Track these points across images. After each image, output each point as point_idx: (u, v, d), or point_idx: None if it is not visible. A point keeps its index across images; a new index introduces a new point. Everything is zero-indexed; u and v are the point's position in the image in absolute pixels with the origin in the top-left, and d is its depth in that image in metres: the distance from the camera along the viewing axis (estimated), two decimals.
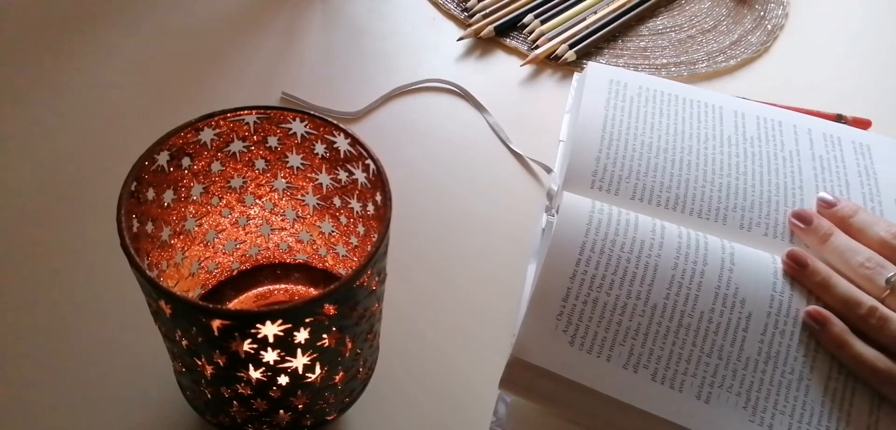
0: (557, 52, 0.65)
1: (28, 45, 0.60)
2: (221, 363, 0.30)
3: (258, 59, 0.62)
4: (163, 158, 0.34)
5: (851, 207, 0.40)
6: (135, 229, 0.32)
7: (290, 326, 0.29)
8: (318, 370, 0.32)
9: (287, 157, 0.38)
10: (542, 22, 0.68)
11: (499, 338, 0.44)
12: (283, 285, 0.42)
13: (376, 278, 0.32)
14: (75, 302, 0.43)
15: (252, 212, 0.40)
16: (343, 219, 0.39)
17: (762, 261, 0.38)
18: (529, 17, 0.68)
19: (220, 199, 0.38)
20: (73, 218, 0.48)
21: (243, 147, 0.37)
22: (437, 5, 0.71)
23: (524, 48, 0.66)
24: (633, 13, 0.70)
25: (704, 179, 0.43)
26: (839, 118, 0.56)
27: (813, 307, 0.37)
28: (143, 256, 0.33)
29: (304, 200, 0.40)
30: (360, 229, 0.38)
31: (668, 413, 0.34)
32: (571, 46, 0.65)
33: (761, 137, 0.45)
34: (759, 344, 0.36)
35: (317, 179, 0.38)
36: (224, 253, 0.40)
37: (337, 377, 0.34)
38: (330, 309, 0.30)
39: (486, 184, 0.54)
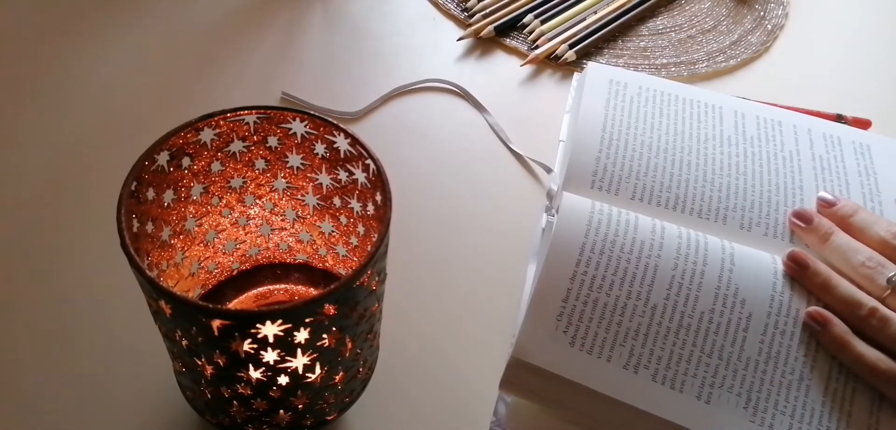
0: (557, 52, 0.65)
1: (27, 45, 0.60)
2: (221, 363, 0.30)
3: (258, 59, 0.62)
4: (163, 158, 0.34)
5: (851, 207, 0.40)
6: (135, 229, 0.32)
7: (290, 326, 0.29)
8: (318, 370, 0.32)
9: (287, 157, 0.38)
10: (542, 22, 0.68)
11: (499, 338, 0.44)
12: (283, 285, 0.42)
13: (376, 278, 0.32)
14: (75, 302, 0.43)
15: (252, 212, 0.40)
16: (343, 219, 0.39)
17: (762, 261, 0.38)
18: (529, 17, 0.68)
19: (220, 199, 0.38)
20: (73, 218, 0.48)
21: (243, 147, 0.37)
22: (437, 5, 0.71)
23: (524, 48, 0.66)
24: (633, 13, 0.70)
25: (704, 179, 0.43)
26: (839, 118, 0.56)
27: (814, 308, 0.37)
28: (143, 256, 0.33)
29: (304, 201, 0.40)
30: (360, 229, 0.38)
31: (668, 414, 0.34)
32: (571, 46, 0.65)
33: (761, 137, 0.45)
34: (759, 344, 0.36)
35: (317, 179, 0.38)
36: (224, 253, 0.40)
37: (337, 377, 0.34)
38: (330, 309, 0.30)
39: (486, 184, 0.54)
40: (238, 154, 0.37)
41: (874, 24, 0.75)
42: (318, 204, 0.39)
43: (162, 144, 0.33)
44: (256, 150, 0.37)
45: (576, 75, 0.54)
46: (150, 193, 0.34)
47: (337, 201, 0.38)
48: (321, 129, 0.36)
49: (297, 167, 0.38)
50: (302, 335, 0.30)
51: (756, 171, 0.43)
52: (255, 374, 0.31)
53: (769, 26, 0.72)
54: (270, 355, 0.30)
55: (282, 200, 0.40)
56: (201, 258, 0.39)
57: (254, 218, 0.40)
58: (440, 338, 0.44)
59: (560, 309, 0.37)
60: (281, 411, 0.33)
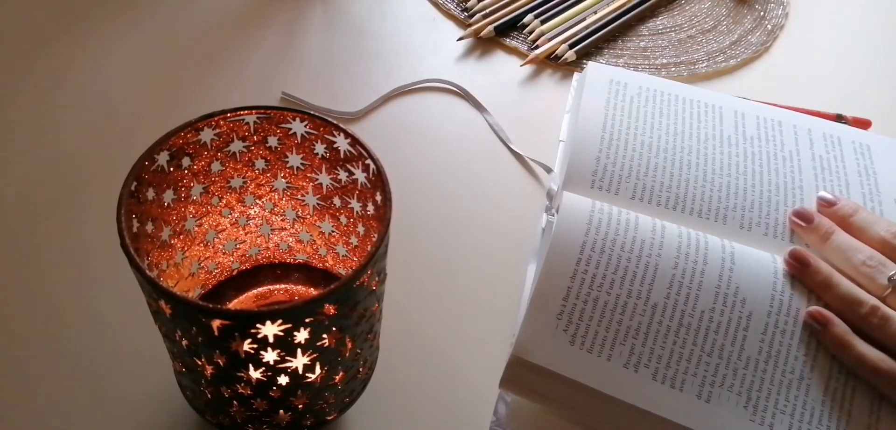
0: (557, 52, 0.65)
1: (27, 44, 0.60)
2: (221, 363, 0.30)
3: (258, 59, 0.62)
4: (163, 158, 0.34)
5: (851, 207, 0.40)
6: (135, 229, 0.32)
7: (290, 326, 0.29)
8: (318, 370, 0.32)
9: (287, 157, 0.38)
10: (542, 22, 0.68)
11: (499, 338, 0.44)
12: (283, 285, 0.42)
13: (376, 278, 0.32)
14: (75, 302, 0.43)
15: (252, 212, 0.40)
16: (343, 219, 0.39)
17: (762, 260, 0.38)
18: (529, 17, 0.68)
19: (220, 199, 0.38)
20: (73, 218, 0.48)
21: (243, 147, 0.37)
22: (437, 5, 0.71)
23: (524, 48, 0.66)
24: (633, 13, 0.70)
25: (704, 179, 0.43)
26: (839, 118, 0.56)
27: (814, 308, 0.37)
28: (143, 256, 0.33)
29: (304, 201, 0.40)
30: (360, 228, 0.38)
31: (668, 413, 0.34)
32: (571, 46, 0.65)
33: (761, 137, 0.45)
34: (759, 343, 0.36)
35: (317, 179, 0.38)
36: (224, 253, 0.40)
37: (337, 377, 0.34)
38: (330, 309, 0.30)
39: (486, 184, 0.54)
40: (238, 154, 0.37)
41: (874, 24, 0.75)
42: (318, 204, 0.39)
43: (162, 144, 0.33)
44: (256, 150, 0.37)
45: (576, 75, 0.54)
46: (150, 193, 0.34)
47: (337, 201, 0.38)
48: (321, 129, 0.36)
49: (297, 167, 0.38)
50: (302, 335, 0.30)
51: (756, 171, 0.43)
52: (255, 374, 0.31)
53: (769, 26, 0.72)
54: (270, 356, 0.30)
55: (282, 200, 0.40)
56: (201, 258, 0.39)
57: (254, 218, 0.40)
58: (440, 338, 0.44)
59: (560, 308, 0.37)
60: (281, 411, 0.33)
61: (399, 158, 0.55)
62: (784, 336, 0.36)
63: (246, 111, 0.36)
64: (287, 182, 0.39)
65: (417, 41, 0.66)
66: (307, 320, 0.29)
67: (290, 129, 0.37)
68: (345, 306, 0.30)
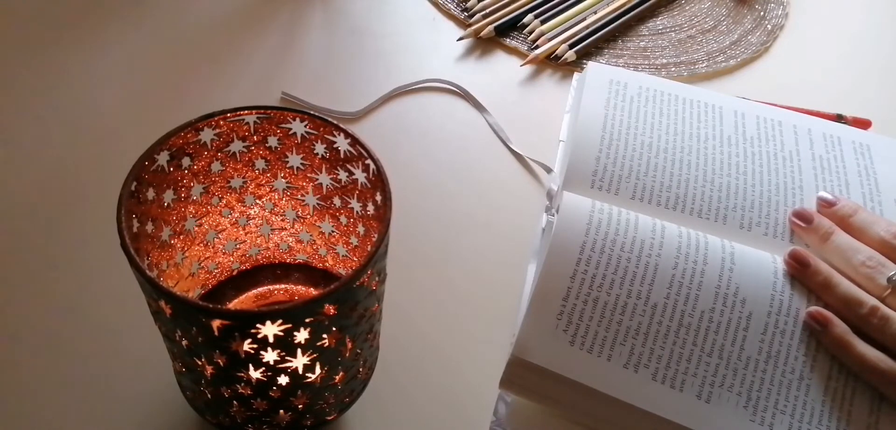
0: (557, 52, 0.65)
1: (27, 44, 0.60)
2: (221, 363, 0.30)
3: (258, 59, 0.62)
4: (163, 158, 0.34)
5: (851, 207, 0.40)
6: (135, 229, 0.32)
7: (290, 326, 0.29)
8: (318, 370, 0.32)
9: (287, 157, 0.38)
10: (542, 22, 0.68)
11: (499, 338, 0.44)
12: (283, 285, 0.42)
13: (376, 278, 0.32)
14: (75, 302, 0.43)
15: (252, 212, 0.40)
16: (343, 219, 0.39)
17: (762, 261, 0.38)
18: (529, 17, 0.68)
19: (220, 199, 0.38)
20: (73, 218, 0.48)
21: (243, 147, 0.37)
22: (437, 5, 0.71)
23: (524, 48, 0.66)
24: (633, 13, 0.70)
25: (704, 179, 0.43)
26: (839, 118, 0.56)
27: (814, 309, 0.37)
28: (143, 256, 0.33)
29: (304, 201, 0.40)
30: (360, 228, 0.38)
31: (668, 413, 0.34)
32: (571, 46, 0.65)
33: (761, 137, 0.45)
34: (759, 344, 0.36)
35: (317, 179, 0.38)
36: (224, 253, 0.40)
37: (337, 377, 0.34)
38: (330, 309, 0.30)
39: (486, 184, 0.54)
40: (238, 154, 0.37)
41: (874, 24, 0.75)
42: (318, 204, 0.39)
43: (162, 144, 0.33)
44: (256, 150, 0.37)
45: (576, 75, 0.54)
46: (150, 193, 0.34)
47: (337, 201, 0.38)
48: (321, 129, 0.36)
49: (297, 167, 0.38)
50: (302, 335, 0.30)
51: (756, 171, 0.43)
52: (255, 374, 0.31)
53: (769, 26, 0.72)
54: (270, 356, 0.30)
55: (282, 200, 0.40)
56: (201, 258, 0.39)
57: (254, 218, 0.40)
58: (440, 338, 0.44)
59: (560, 308, 0.37)
60: (281, 411, 0.33)
61: (399, 158, 0.55)
62: (784, 336, 0.36)
63: (246, 111, 0.36)
64: (287, 182, 0.39)
65: (417, 41, 0.66)
66: (307, 320, 0.29)
67: (290, 129, 0.37)
68: (345, 306, 0.30)
